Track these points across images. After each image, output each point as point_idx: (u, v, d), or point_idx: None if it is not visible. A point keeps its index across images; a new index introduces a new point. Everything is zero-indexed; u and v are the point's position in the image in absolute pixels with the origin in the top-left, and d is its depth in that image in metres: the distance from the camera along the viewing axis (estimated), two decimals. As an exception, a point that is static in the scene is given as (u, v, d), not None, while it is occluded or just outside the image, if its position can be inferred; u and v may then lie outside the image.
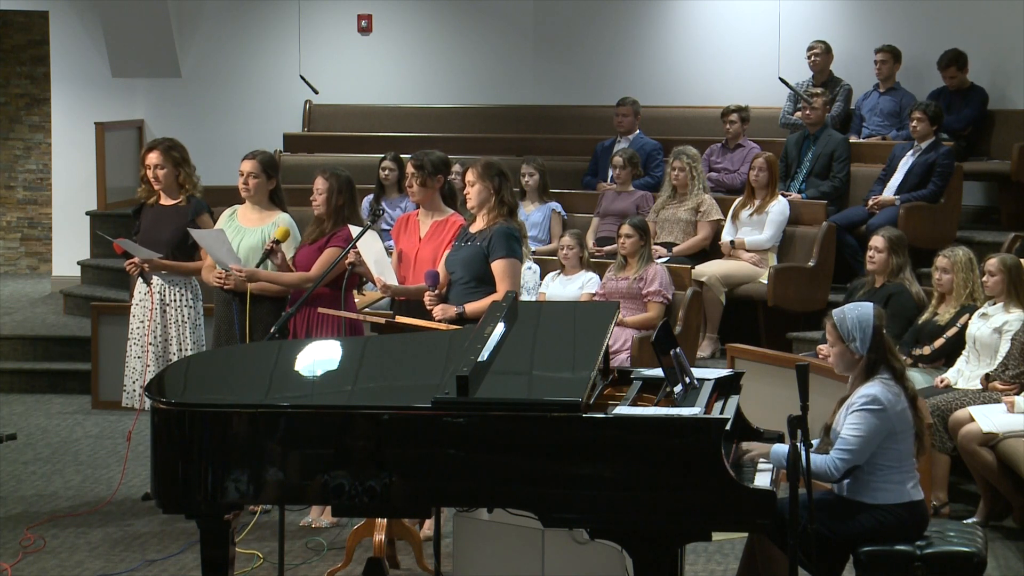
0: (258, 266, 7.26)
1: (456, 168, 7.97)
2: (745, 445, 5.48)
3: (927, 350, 7.89)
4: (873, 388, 5.41)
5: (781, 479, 5.21)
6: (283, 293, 7.26)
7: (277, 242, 7.22)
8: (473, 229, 6.81)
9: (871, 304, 5.61)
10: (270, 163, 7.52)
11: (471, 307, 6.58)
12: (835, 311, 5.57)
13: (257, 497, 5.04)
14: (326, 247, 7.20)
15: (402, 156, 9.85)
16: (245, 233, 7.42)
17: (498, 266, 6.66)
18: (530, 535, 5.66)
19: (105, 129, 12.48)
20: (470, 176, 6.79)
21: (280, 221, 7.39)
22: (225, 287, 7.25)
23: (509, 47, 12.98)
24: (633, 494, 4.73)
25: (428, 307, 6.69)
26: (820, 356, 8.18)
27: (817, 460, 5.31)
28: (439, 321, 6.57)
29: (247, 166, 7.46)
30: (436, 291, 6.71)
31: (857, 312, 5.50)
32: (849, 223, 10.26)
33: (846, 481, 5.44)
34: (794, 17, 11.91)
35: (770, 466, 5.31)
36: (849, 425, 5.37)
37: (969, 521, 6.58)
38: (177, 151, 7.81)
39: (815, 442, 5.51)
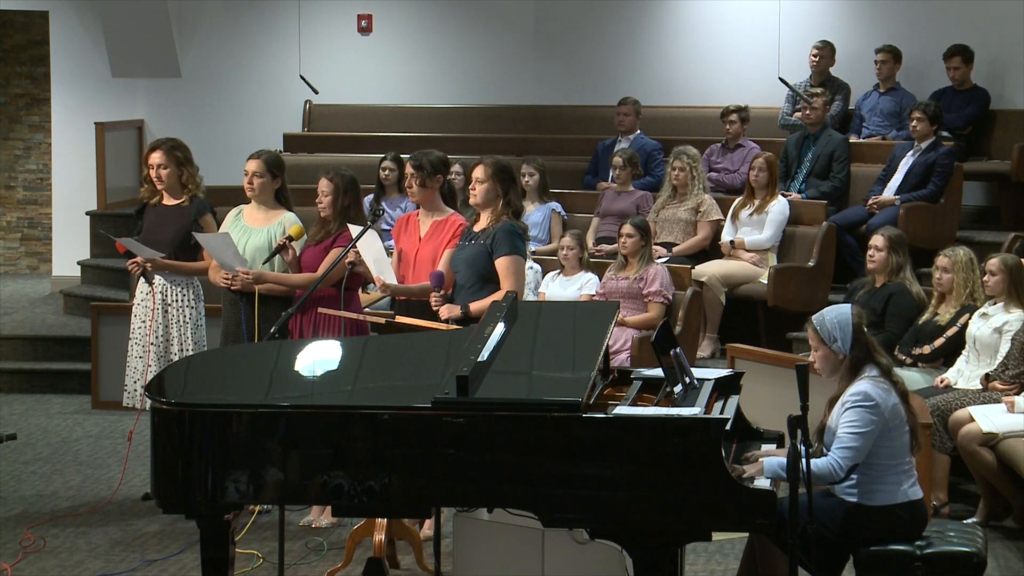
0: (266, 262, 7.27)
1: (456, 168, 7.95)
2: (748, 456, 5.43)
3: (927, 350, 7.89)
4: (862, 385, 5.42)
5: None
6: (290, 294, 7.25)
7: (290, 239, 7.22)
8: (477, 228, 6.79)
9: (849, 304, 5.66)
10: (275, 163, 7.51)
11: (475, 306, 6.55)
12: (814, 316, 5.58)
13: (257, 497, 5.05)
14: (331, 248, 7.20)
15: (402, 156, 9.85)
16: (251, 233, 7.41)
17: (502, 263, 6.64)
18: (530, 535, 5.66)
19: (105, 129, 12.48)
20: (479, 173, 6.73)
21: (287, 221, 7.39)
22: (232, 288, 7.25)
23: (509, 47, 12.98)
24: (633, 494, 4.73)
25: (434, 307, 6.68)
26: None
27: (818, 463, 5.31)
28: (445, 321, 6.56)
29: (252, 166, 7.45)
30: (442, 292, 6.70)
31: (836, 313, 5.52)
32: (849, 223, 10.26)
33: (845, 483, 5.43)
34: (794, 17, 11.90)
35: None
36: (845, 423, 5.37)
37: (969, 521, 6.57)
38: (180, 151, 7.80)
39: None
